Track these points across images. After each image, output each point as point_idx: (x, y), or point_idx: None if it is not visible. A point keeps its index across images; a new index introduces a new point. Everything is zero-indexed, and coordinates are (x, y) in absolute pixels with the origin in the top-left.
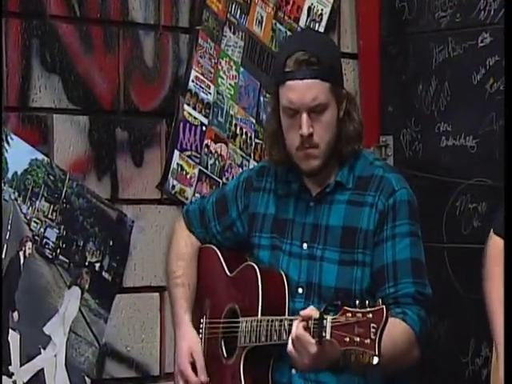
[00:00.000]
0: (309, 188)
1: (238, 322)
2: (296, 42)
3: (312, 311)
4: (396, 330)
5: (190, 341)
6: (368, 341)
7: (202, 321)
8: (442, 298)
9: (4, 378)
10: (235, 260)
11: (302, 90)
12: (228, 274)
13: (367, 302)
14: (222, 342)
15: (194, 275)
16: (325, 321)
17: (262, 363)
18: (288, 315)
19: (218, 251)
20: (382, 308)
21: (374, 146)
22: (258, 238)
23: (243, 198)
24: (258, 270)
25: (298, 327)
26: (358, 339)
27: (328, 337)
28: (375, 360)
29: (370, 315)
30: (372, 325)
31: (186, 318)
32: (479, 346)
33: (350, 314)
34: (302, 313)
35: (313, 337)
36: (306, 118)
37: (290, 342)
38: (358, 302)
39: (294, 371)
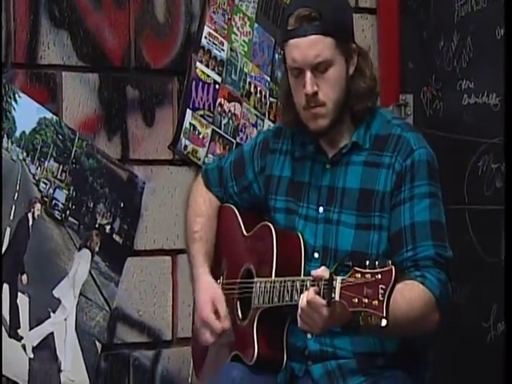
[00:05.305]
0: (325, 150)
1: (253, 283)
2: None
3: (324, 272)
4: (413, 292)
5: (210, 290)
6: (376, 302)
7: (218, 281)
8: (463, 262)
9: (13, 341)
10: (253, 219)
11: (304, 48)
12: (245, 233)
13: (377, 262)
14: (238, 303)
15: (212, 231)
16: (334, 281)
17: (277, 326)
18: None
19: (236, 210)
20: (391, 268)
21: (393, 104)
22: (274, 201)
23: (260, 159)
24: (273, 230)
25: (309, 292)
26: (366, 300)
27: (337, 298)
28: (383, 322)
29: (379, 276)
30: (380, 286)
31: (204, 271)
32: (501, 311)
33: (359, 275)
34: (314, 272)
35: (323, 298)
36: (310, 75)
37: (300, 304)
38: (367, 262)
39: (309, 335)
